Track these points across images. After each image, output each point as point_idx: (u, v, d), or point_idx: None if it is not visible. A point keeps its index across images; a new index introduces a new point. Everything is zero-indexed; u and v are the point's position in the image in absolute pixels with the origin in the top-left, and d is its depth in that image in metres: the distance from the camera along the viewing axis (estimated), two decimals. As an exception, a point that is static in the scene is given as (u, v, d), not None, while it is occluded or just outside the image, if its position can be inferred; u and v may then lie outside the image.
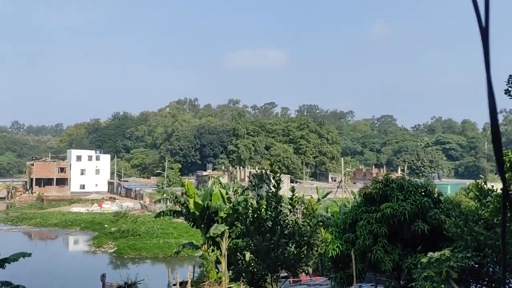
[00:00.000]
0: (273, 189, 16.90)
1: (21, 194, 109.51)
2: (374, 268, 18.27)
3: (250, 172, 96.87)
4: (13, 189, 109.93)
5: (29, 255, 18.60)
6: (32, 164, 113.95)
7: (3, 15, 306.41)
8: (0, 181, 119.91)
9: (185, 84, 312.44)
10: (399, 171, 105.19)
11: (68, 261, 48.65)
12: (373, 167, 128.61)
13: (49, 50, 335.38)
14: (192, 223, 26.42)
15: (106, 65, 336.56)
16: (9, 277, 18.43)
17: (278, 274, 16.68)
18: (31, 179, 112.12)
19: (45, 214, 78.54)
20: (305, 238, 16.38)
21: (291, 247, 16.31)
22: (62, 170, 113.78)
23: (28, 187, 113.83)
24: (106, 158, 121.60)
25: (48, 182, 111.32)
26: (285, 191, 18.63)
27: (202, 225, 25.32)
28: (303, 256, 16.23)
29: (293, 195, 17.37)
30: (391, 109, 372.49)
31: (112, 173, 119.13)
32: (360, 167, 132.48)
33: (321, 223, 22.05)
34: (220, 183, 28.22)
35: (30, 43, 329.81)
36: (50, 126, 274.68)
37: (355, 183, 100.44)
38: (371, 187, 19.11)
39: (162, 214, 27.31)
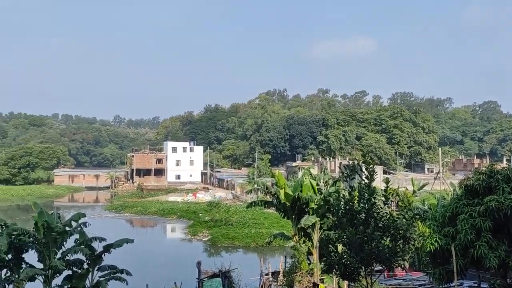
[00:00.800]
0: (366, 181, 16.36)
1: (123, 183, 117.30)
2: (477, 265, 17.15)
3: (340, 163, 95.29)
4: (116, 179, 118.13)
5: (132, 241, 19.77)
6: (133, 156, 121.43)
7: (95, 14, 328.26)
8: (105, 172, 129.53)
9: (274, 75, 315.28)
10: (505, 162, 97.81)
11: (166, 248, 51.23)
12: (475, 157, 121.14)
13: (146, 47, 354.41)
14: (282, 214, 26.44)
15: (198, 59, 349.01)
16: (114, 261, 19.74)
17: (373, 267, 16.19)
18: (132, 170, 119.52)
19: (145, 202, 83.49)
20: (400, 232, 15.72)
21: (385, 240, 15.72)
22: (159, 161, 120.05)
23: (129, 177, 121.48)
24: (199, 149, 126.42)
25: (147, 172, 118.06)
26: (378, 182, 18.01)
27: (293, 216, 25.26)
28: (398, 250, 15.60)
29: (387, 186, 16.71)
30: (494, 94, 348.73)
31: (205, 164, 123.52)
32: (460, 157, 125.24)
33: (417, 216, 21.08)
34: (311, 174, 27.95)
35: (128, 41, 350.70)
36: (148, 119, 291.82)
37: (454, 175, 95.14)
38: (473, 179, 17.90)
39: (253, 204, 27.57)
